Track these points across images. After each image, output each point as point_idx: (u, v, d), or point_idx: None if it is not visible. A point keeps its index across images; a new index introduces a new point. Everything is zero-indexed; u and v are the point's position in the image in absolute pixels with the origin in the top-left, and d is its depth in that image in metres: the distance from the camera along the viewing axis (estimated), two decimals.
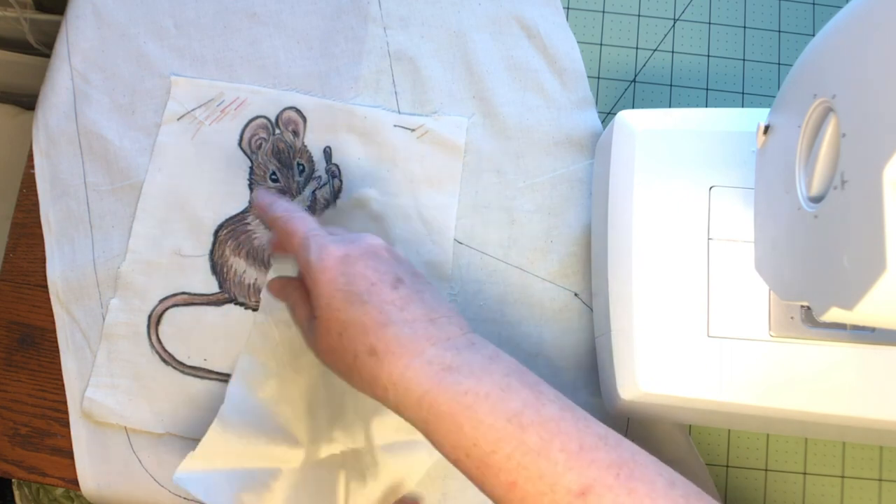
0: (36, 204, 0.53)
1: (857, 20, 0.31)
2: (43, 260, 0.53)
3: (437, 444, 0.37)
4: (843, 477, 0.49)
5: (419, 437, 0.39)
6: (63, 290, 0.52)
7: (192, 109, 0.54)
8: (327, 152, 0.53)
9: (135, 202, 0.53)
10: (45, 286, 0.52)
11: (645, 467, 0.35)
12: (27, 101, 0.79)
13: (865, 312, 0.29)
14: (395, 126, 0.53)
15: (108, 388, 0.50)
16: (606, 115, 0.55)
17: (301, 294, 0.43)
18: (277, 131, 0.53)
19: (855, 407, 0.41)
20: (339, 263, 0.39)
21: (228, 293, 0.51)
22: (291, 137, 0.53)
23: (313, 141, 0.53)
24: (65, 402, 0.51)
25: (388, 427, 0.47)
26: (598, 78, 0.55)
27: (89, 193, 0.53)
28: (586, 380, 0.50)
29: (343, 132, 0.53)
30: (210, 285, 0.51)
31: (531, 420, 0.35)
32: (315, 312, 0.40)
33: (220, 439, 0.47)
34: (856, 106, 0.30)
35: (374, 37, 0.55)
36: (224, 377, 0.50)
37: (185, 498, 0.49)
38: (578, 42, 0.56)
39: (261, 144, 0.53)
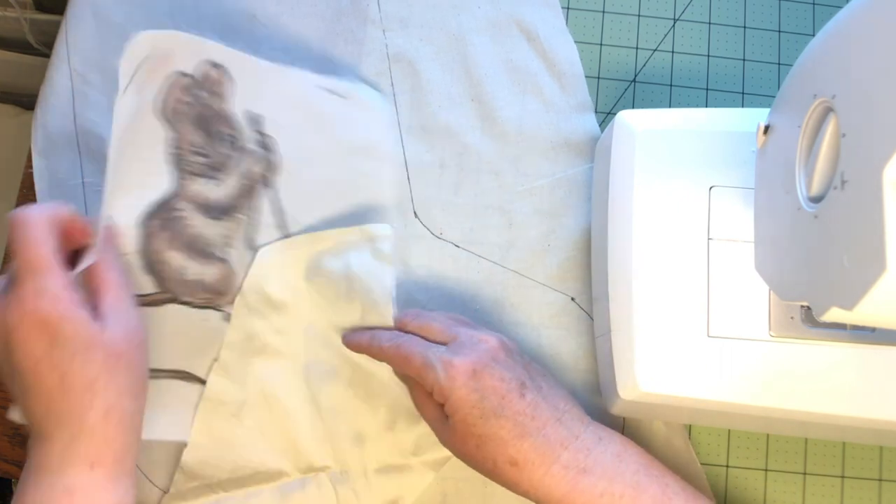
0: (36, 203, 0.53)
1: (857, 20, 0.31)
2: None
3: None
4: (843, 477, 0.49)
5: (414, 460, 0.44)
6: None
7: (132, 75, 0.45)
8: (256, 119, 0.48)
9: None
10: None
11: None
12: (27, 101, 0.79)
13: (865, 312, 0.29)
14: (319, 88, 0.49)
15: None
16: (606, 116, 0.55)
17: (426, 393, 0.43)
18: (203, 94, 0.46)
19: (855, 407, 0.41)
20: (469, 379, 0.41)
21: (169, 292, 0.46)
22: (218, 102, 0.46)
23: (239, 106, 0.48)
24: None
25: (381, 450, 0.47)
26: (598, 78, 0.55)
27: (87, 193, 0.53)
28: (584, 381, 0.50)
29: (271, 96, 0.48)
30: (146, 285, 0.46)
31: None
32: (450, 420, 0.42)
33: (193, 471, 0.46)
34: (856, 106, 0.30)
35: (373, 39, 0.55)
36: (174, 373, 0.46)
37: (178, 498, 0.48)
38: (578, 42, 0.56)
39: (183, 111, 0.45)
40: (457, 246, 0.52)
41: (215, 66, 0.47)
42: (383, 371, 0.47)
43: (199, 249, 0.46)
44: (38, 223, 0.38)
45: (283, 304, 0.48)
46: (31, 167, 0.54)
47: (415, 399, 0.45)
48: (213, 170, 0.46)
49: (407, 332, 0.45)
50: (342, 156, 0.51)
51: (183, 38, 0.47)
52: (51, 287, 0.36)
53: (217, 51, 0.48)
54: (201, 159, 0.46)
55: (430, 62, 0.55)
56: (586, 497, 0.39)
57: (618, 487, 0.39)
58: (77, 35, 0.55)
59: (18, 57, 0.74)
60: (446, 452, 0.45)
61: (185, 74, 0.46)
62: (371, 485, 0.46)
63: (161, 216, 0.46)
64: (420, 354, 0.42)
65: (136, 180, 0.45)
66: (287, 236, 0.48)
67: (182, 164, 0.46)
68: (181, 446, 0.47)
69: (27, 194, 0.54)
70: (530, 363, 0.44)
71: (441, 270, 0.52)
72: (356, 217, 0.50)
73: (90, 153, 0.54)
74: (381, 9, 0.56)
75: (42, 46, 0.72)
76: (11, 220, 0.38)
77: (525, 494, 0.41)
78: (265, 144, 0.48)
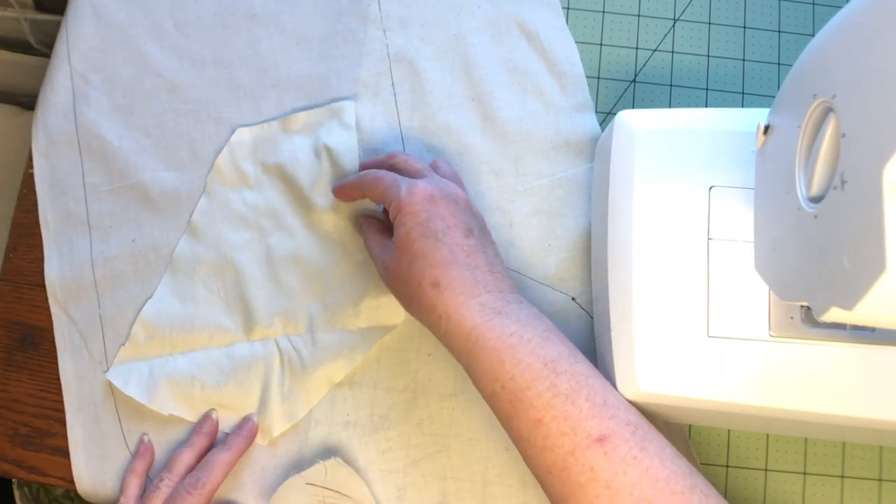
0: (36, 204, 0.53)
1: (857, 20, 0.31)
2: (43, 260, 0.53)
3: (475, 375, 0.42)
4: (843, 477, 0.49)
5: (358, 326, 0.50)
6: (61, 290, 0.52)
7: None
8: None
9: (133, 202, 0.53)
10: (45, 287, 0.52)
11: (657, 436, 0.40)
12: (27, 101, 0.79)
13: (865, 312, 0.29)
14: None
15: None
16: (606, 116, 0.55)
17: (377, 227, 0.48)
18: None
19: (855, 407, 0.41)
20: (425, 200, 0.43)
21: None
22: None
23: None
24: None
25: (327, 320, 0.51)
26: (598, 78, 0.55)
27: (88, 194, 0.53)
28: None
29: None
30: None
31: (564, 369, 0.40)
32: (393, 241, 0.45)
33: (152, 325, 0.50)
34: (856, 106, 0.30)
35: (373, 39, 0.55)
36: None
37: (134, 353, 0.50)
38: (578, 42, 0.56)
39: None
40: None
41: None
42: (343, 255, 0.51)
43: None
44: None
45: (255, 180, 0.53)
46: (31, 167, 0.54)
47: (367, 240, 0.48)
48: None
49: (388, 164, 0.49)
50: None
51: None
52: None
53: None
54: None
55: (430, 62, 0.55)
56: (496, 333, 0.40)
57: (527, 333, 0.41)
58: (77, 34, 0.55)
59: (18, 57, 0.74)
60: (389, 321, 0.50)
61: None
62: (316, 345, 0.50)
63: None
64: (391, 178, 0.45)
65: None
66: None
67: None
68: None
69: (27, 194, 0.54)
70: (486, 234, 0.46)
71: None
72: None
73: (91, 153, 0.54)
74: (382, 8, 0.56)
75: (42, 46, 0.72)
76: (169, 485, 0.47)
77: (437, 320, 0.42)
78: None
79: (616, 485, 0.37)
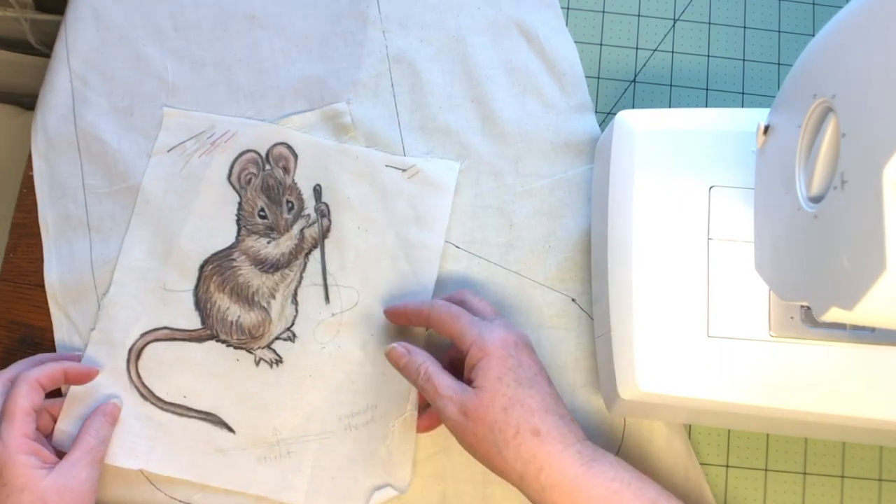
0: (36, 204, 0.53)
1: (857, 20, 0.31)
2: (43, 260, 0.52)
3: None
4: (843, 477, 0.49)
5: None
6: (60, 291, 0.52)
7: (183, 141, 0.53)
8: (317, 190, 0.52)
9: (133, 205, 0.53)
10: (45, 287, 0.52)
11: None
12: (27, 102, 0.79)
13: (865, 312, 0.29)
14: (386, 166, 0.53)
15: (81, 420, 0.48)
16: (606, 116, 0.55)
17: (437, 365, 0.45)
18: (268, 167, 0.53)
19: (855, 407, 0.41)
20: (511, 346, 0.43)
21: (211, 329, 0.51)
22: (282, 174, 0.53)
23: (303, 178, 0.53)
24: None
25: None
26: (598, 78, 0.55)
27: (87, 195, 0.53)
28: (585, 382, 0.50)
29: (334, 170, 0.53)
30: (193, 321, 0.51)
31: None
32: (478, 383, 0.42)
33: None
34: (856, 106, 0.30)
35: (373, 40, 0.55)
36: (203, 415, 0.49)
37: (180, 501, 0.48)
38: (578, 42, 0.56)
39: (250, 179, 0.52)
40: (457, 247, 0.52)
41: (285, 145, 0.53)
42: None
43: (245, 296, 0.51)
44: (29, 380, 0.45)
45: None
46: (31, 168, 0.54)
47: (432, 378, 0.44)
48: (270, 230, 0.52)
49: (461, 300, 0.48)
50: (394, 224, 0.52)
51: (249, 124, 0.54)
52: (8, 434, 0.43)
53: (284, 133, 0.54)
54: (261, 220, 0.52)
55: (429, 63, 0.55)
56: (599, 480, 0.41)
57: (626, 477, 0.41)
58: (77, 37, 0.55)
59: (18, 57, 0.74)
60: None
61: (254, 151, 0.53)
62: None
63: (216, 262, 0.52)
64: (467, 316, 0.45)
65: (204, 233, 0.52)
66: (327, 298, 0.51)
67: (244, 222, 0.52)
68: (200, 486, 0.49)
69: (27, 194, 0.54)
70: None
71: (441, 271, 0.52)
72: (396, 283, 0.52)
73: (90, 155, 0.54)
74: (381, 10, 0.56)
75: (42, 46, 0.72)
76: (15, 378, 0.46)
77: (537, 471, 0.41)
78: (322, 212, 0.52)
79: None
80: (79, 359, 0.50)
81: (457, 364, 0.46)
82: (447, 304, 0.46)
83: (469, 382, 0.43)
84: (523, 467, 0.41)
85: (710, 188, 0.45)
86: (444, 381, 0.44)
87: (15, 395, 0.45)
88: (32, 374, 0.46)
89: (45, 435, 0.47)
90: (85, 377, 0.49)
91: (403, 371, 0.46)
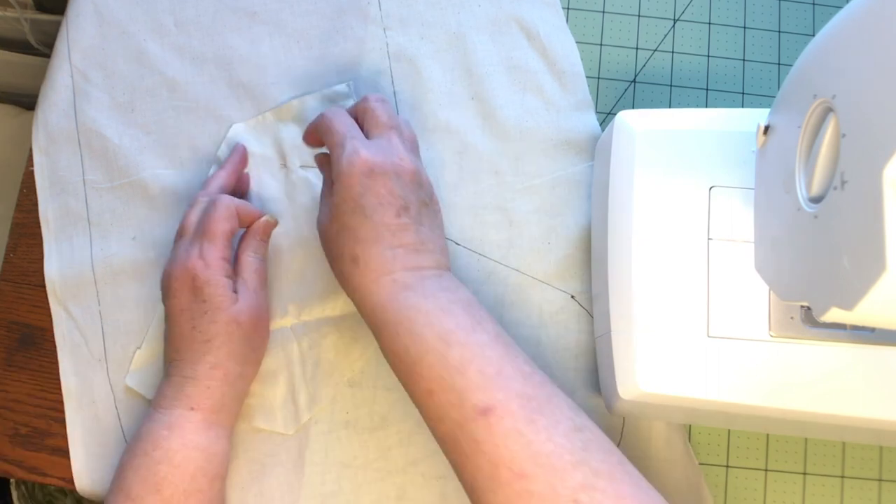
0: (36, 204, 0.53)
1: (857, 20, 0.31)
2: (43, 260, 0.53)
3: (381, 348, 0.42)
4: (843, 477, 0.49)
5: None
6: (60, 287, 0.52)
7: None
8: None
9: (134, 200, 0.53)
10: (45, 286, 0.52)
11: (558, 409, 0.38)
12: (27, 101, 0.79)
13: (865, 312, 0.29)
14: None
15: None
16: (606, 116, 0.55)
17: (329, 173, 0.46)
18: None
19: (855, 407, 0.41)
20: (363, 174, 0.42)
21: None
22: None
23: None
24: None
25: (341, 301, 0.51)
26: (598, 78, 0.55)
27: (88, 191, 0.53)
28: (585, 380, 0.50)
29: None
30: None
31: (459, 340, 0.39)
32: (330, 199, 0.44)
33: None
34: (856, 106, 0.30)
35: (373, 37, 0.55)
36: None
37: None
38: (578, 42, 0.56)
39: None
40: (457, 244, 0.52)
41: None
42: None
43: None
44: (228, 205, 0.47)
45: (255, 171, 0.53)
46: (32, 166, 0.54)
47: (324, 174, 0.48)
48: None
49: (358, 108, 0.47)
50: None
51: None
52: (210, 255, 0.45)
53: None
54: None
55: (430, 60, 0.55)
56: (396, 306, 0.41)
57: (427, 305, 0.41)
58: (78, 32, 0.56)
59: (18, 57, 0.74)
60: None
61: None
62: (331, 328, 0.51)
63: None
64: (341, 133, 0.44)
65: None
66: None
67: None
68: None
69: (28, 194, 0.54)
70: (435, 210, 0.46)
71: None
72: None
73: (91, 150, 0.54)
74: (382, 7, 0.56)
75: (42, 46, 0.72)
76: (207, 200, 0.48)
77: (351, 293, 0.43)
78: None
79: (496, 458, 0.36)
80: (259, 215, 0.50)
81: None
82: (330, 115, 0.45)
83: None
84: (343, 287, 0.44)
85: (710, 188, 0.45)
86: (324, 189, 0.47)
87: (216, 216, 0.46)
88: (233, 201, 0.47)
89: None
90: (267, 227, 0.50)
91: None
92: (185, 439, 0.44)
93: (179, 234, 0.48)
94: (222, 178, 0.51)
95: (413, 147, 0.47)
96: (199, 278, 0.45)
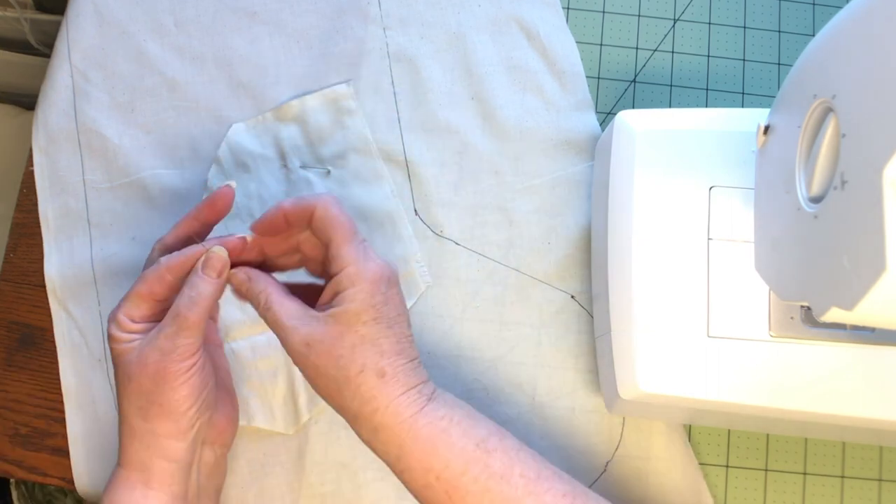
0: (36, 204, 0.53)
1: (857, 20, 0.31)
2: (43, 260, 0.52)
3: (406, 469, 0.39)
4: (843, 477, 0.49)
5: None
6: (60, 287, 0.52)
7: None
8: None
9: (133, 200, 0.53)
10: (45, 286, 0.52)
11: (594, 499, 0.40)
12: (27, 102, 0.79)
13: (865, 312, 0.29)
14: None
15: None
16: (606, 116, 0.55)
17: (282, 289, 0.41)
18: None
19: (855, 407, 0.41)
20: (382, 281, 0.40)
21: None
22: None
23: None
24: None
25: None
26: (598, 78, 0.55)
27: (88, 191, 0.53)
28: (584, 380, 0.50)
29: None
30: None
31: (495, 447, 0.39)
32: (333, 312, 0.39)
33: None
34: (856, 106, 0.30)
35: (373, 37, 0.55)
36: None
37: None
38: (578, 42, 0.56)
39: None
40: (457, 244, 0.52)
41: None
42: None
43: None
44: (157, 269, 0.41)
45: (255, 171, 0.53)
46: (31, 166, 0.54)
47: (269, 302, 0.41)
48: None
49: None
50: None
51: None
52: (119, 310, 0.41)
53: None
54: None
55: (430, 60, 0.55)
56: (428, 419, 0.39)
57: (457, 413, 0.40)
58: (78, 32, 0.55)
59: (18, 57, 0.74)
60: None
61: None
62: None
63: None
64: (354, 232, 0.40)
65: None
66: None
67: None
68: None
69: (28, 194, 0.54)
70: None
71: (441, 268, 0.52)
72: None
73: (91, 150, 0.54)
74: (382, 7, 0.56)
75: (42, 46, 0.72)
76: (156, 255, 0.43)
77: (372, 412, 0.39)
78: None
79: None
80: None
81: (306, 288, 0.43)
82: (340, 206, 0.41)
83: (323, 305, 0.40)
84: (359, 407, 0.39)
85: (710, 188, 0.45)
86: (287, 309, 0.40)
87: (142, 276, 0.41)
88: (170, 260, 0.41)
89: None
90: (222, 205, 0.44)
91: (247, 299, 0.42)
92: (112, 496, 0.42)
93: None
94: (180, 228, 0.44)
95: None
96: (109, 334, 0.41)
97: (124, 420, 0.41)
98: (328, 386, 0.40)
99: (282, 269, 0.45)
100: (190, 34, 0.56)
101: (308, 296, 0.42)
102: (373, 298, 0.39)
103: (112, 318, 0.41)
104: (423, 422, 0.39)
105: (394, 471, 0.40)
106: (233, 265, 0.42)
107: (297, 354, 0.40)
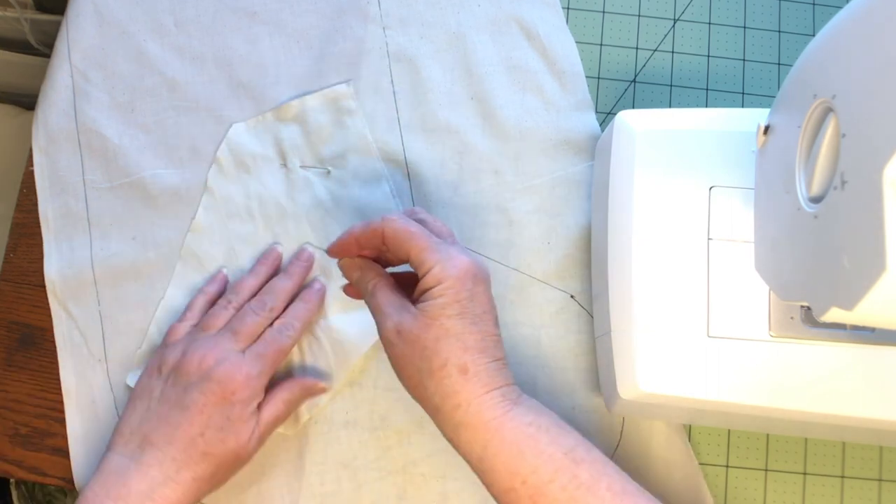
0: (36, 204, 0.53)
1: (857, 20, 0.31)
2: (43, 260, 0.52)
3: (490, 471, 0.39)
4: (843, 477, 0.49)
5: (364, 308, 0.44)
6: (60, 287, 0.52)
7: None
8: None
9: (133, 200, 0.53)
10: (45, 286, 0.52)
11: None
12: (27, 102, 0.79)
13: (865, 312, 0.29)
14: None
15: None
16: (606, 116, 0.55)
17: (391, 282, 0.43)
18: None
19: (855, 407, 0.41)
20: (469, 278, 0.40)
21: None
22: None
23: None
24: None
25: (341, 299, 0.50)
26: (598, 78, 0.55)
27: (88, 191, 0.53)
28: (584, 380, 0.50)
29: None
30: None
31: (583, 457, 0.39)
32: (421, 306, 0.40)
33: (168, 325, 0.50)
34: (856, 106, 0.30)
35: (373, 37, 0.55)
36: None
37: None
38: (578, 42, 0.56)
39: None
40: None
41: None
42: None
43: None
44: (289, 340, 0.48)
45: (255, 171, 0.53)
46: (31, 166, 0.54)
47: (376, 292, 0.43)
48: None
49: (417, 218, 0.44)
50: None
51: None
52: (260, 377, 0.46)
53: None
54: None
55: (429, 60, 0.55)
56: (514, 423, 0.39)
57: (545, 422, 0.40)
58: (78, 32, 0.56)
59: (18, 57, 0.74)
60: None
61: None
62: (331, 327, 0.50)
63: None
64: (429, 239, 0.41)
65: None
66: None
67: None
68: None
69: (28, 194, 0.54)
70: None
71: None
72: None
73: (91, 150, 0.54)
74: (381, 7, 0.56)
75: (42, 46, 0.72)
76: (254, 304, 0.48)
77: (454, 408, 0.39)
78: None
79: None
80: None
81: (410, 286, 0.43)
82: (405, 219, 0.42)
83: (415, 303, 0.41)
84: (441, 401, 0.40)
85: (710, 188, 0.45)
86: (387, 298, 0.42)
87: (281, 343, 0.47)
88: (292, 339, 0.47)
89: None
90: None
91: (356, 285, 0.44)
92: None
93: (202, 327, 0.47)
94: (252, 283, 0.49)
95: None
96: (238, 393, 0.44)
97: (169, 480, 0.42)
98: (412, 377, 0.41)
99: (393, 264, 0.45)
100: (190, 34, 0.56)
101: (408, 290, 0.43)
102: (458, 294, 0.40)
103: (254, 386, 0.45)
104: (510, 425, 0.39)
105: (475, 470, 0.40)
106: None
107: (387, 342, 0.41)
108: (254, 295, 0.49)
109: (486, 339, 0.40)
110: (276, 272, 0.51)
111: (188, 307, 0.50)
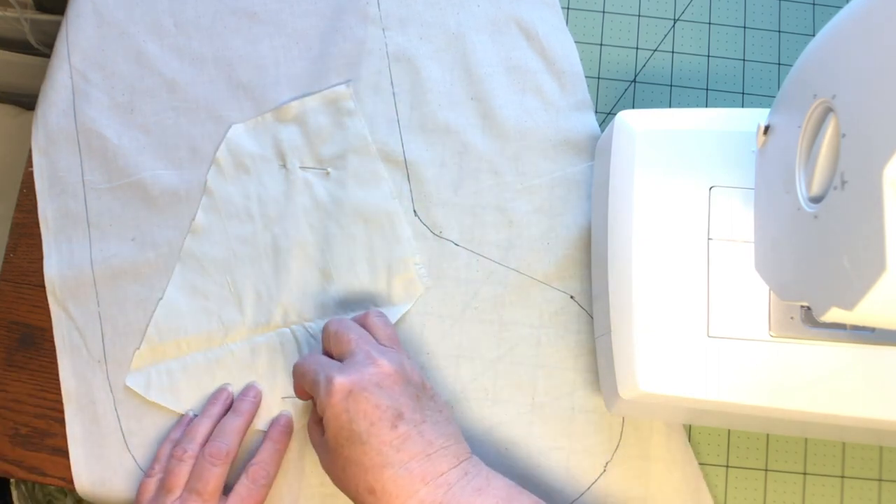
0: (36, 204, 0.53)
1: (857, 20, 0.31)
2: (43, 260, 0.52)
3: None
4: (843, 477, 0.49)
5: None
6: (60, 287, 0.52)
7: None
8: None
9: (133, 201, 0.53)
10: (45, 286, 0.52)
11: None
12: (27, 102, 0.79)
13: (865, 312, 0.29)
14: None
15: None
16: (606, 116, 0.55)
17: (315, 416, 0.46)
18: None
19: (855, 407, 0.41)
20: (344, 399, 0.41)
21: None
22: None
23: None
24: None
25: (340, 302, 0.51)
26: (598, 78, 0.55)
27: (87, 192, 0.53)
28: (585, 380, 0.50)
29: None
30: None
31: None
32: (326, 437, 0.43)
33: (166, 326, 0.51)
34: (856, 106, 0.30)
35: (373, 38, 0.55)
36: None
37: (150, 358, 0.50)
38: (578, 42, 0.56)
39: None
40: (456, 244, 0.52)
41: None
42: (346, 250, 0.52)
43: None
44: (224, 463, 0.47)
45: (255, 172, 0.53)
46: (31, 166, 0.54)
47: (309, 427, 0.47)
48: None
49: (325, 335, 0.46)
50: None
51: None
52: None
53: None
54: None
55: (429, 60, 0.55)
56: None
57: None
58: (78, 33, 0.56)
59: (18, 57, 0.74)
60: (400, 302, 0.51)
61: None
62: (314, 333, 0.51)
63: None
64: (313, 371, 0.43)
65: None
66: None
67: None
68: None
69: (27, 194, 0.54)
70: (430, 397, 0.44)
71: (440, 269, 0.52)
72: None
73: (90, 151, 0.54)
74: (381, 7, 0.56)
75: (42, 46, 0.72)
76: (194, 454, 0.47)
77: None
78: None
79: None
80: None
81: None
82: (301, 364, 0.45)
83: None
84: None
85: (710, 188, 0.45)
86: (313, 432, 0.45)
87: (212, 474, 0.46)
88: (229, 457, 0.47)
89: None
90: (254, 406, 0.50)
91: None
92: None
93: (166, 489, 0.46)
94: (205, 427, 0.48)
95: (391, 341, 0.46)
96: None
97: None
98: (352, 501, 0.42)
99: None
100: (189, 35, 0.56)
101: None
102: (339, 420, 0.41)
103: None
104: None
105: None
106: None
107: (329, 476, 0.44)
108: (206, 438, 0.48)
109: (382, 449, 0.40)
110: (226, 412, 0.49)
111: (156, 458, 0.48)
